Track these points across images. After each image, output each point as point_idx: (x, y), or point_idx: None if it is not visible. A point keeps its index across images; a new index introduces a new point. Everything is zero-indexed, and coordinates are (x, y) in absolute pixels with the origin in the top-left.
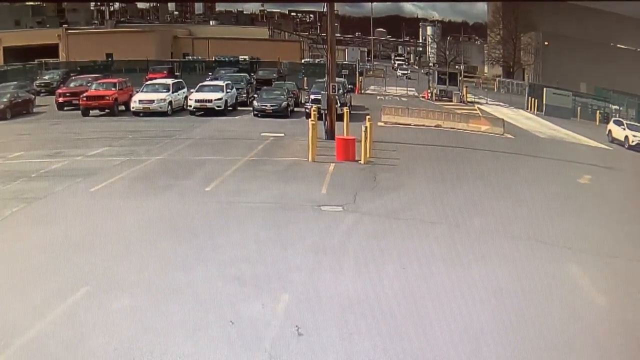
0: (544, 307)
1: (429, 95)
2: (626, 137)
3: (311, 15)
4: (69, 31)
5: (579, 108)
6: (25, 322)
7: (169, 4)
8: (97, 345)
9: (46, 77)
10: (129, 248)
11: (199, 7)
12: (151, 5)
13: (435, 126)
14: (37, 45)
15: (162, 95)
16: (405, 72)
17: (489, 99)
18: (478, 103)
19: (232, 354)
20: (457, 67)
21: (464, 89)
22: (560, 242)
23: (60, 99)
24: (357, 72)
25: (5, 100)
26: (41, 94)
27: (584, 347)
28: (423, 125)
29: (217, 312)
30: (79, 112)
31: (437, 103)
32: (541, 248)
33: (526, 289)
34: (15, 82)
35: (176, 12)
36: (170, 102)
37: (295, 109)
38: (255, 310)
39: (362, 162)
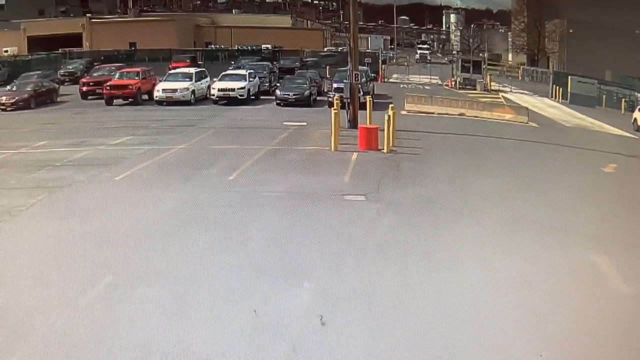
0: (569, 297)
1: (453, 83)
2: None
3: (334, 3)
4: (93, 20)
5: (604, 96)
6: (48, 311)
7: None
8: (120, 335)
9: (70, 67)
10: (153, 237)
11: None
12: None
13: (458, 115)
14: (61, 34)
15: (185, 84)
16: (426, 52)
17: (513, 87)
18: (502, 91)
19: (254, 343)
20: (480, 55)
21: (488, 77)
22: (585, 231)
23: (84, 88)
24: (380, 61)
25: (29, 89)
26: (65, 83)
27: (610, 336)
28: (446, 114)
29: (240, 301)
30: (103, 101)
31: (461, 91)
32: (566, 237)
33: (551, 278)
34: (39, 72)
35: (198, 1)
36: (193, 91)
37: (318, 98)
38: (277, 300)
39: (385, 151)
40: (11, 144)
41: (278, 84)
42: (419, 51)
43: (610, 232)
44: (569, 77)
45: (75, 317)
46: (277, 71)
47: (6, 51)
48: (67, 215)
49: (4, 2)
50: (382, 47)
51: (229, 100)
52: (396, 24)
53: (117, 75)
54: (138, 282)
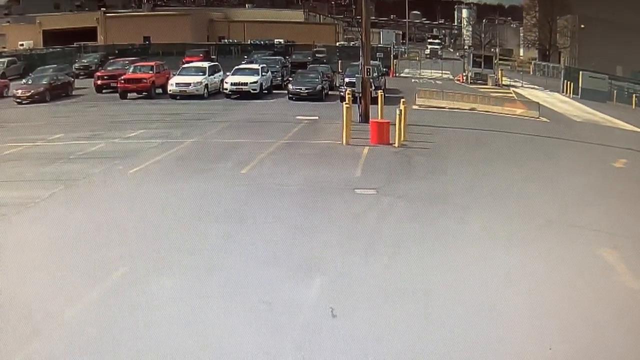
0: (579, 290)
1: (464, 78)
2: None
3: None
4: (107, 14)
5: (614, 91)
6: (64, 302)
7: None
8: (134, 325)
9: (85, 60)
10: (166, 229)
11: None
12: None
13: (469, 109)
14: (76, 28)
15: (199, 79)
16: (437, 47)
17: (524, 82)
18: (513, 86)
19: (266, 334)
20: (492, 50)
21: (499, 72)
22: (595, 226)
23: (99, 82)
24: (392, 55)
25: (45, 82)
26: (80, 77)
27: (619, 330)
28: (458, 109)
29: (252, 293)
30: (117, 94)
31: (472, 86)
32: (576, 232)
33: (560, 272)
34: (54, 65)
35: None
36: (206, 85)
37: (330, 92)
38: (289, 292)
39: (396, 145)
40: (27, 137)
41: (290, 78)
42: (429, 46)
43: (620, 227)
44: (580, 72)
45: (89, 307)
46: (289, 65)
47: (22, 45)
48: (82, 207)
49: None
50: (394, 41)
51: (241, 94)
52: (408, 18)
53: (131, 69)
54: (151, 272)
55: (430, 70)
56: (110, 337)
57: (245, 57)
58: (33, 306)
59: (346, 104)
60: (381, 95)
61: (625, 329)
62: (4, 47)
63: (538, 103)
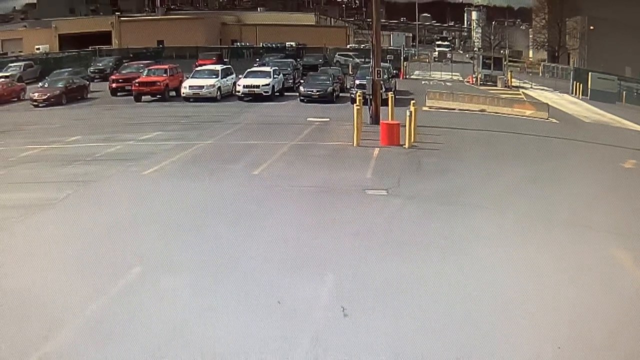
0: (590, 291)
1: (474, 79)
2: None
3: (357, 1)
4: (122, 19)
5: (624, 92)
6: (81, 301)
7: None
8: (149, 324)
9: (100, 64)
10: (180, 230)
11: None
12: None
13: (479, 111)
14: (91, 32)
15: (212, 81)
16: (445, 49)
17: (533, 84)
18: (523, 87)
19: (278, 333)
20: (501, 51)
21: (509, 73)
22: (605, 226)
23: (114, 85)
24: (402, 57)
25: (61, 86)
26: (95, 80)
27: (630, 330)
28: (467, 110)
29: (264, 292)
30: (132, 97)
31: (482, 88)
32: (586, 232)
33: (571, 272)
34: (70, 69)
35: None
36: (219, 88)
37: (341, 94)
38: (300, 291)
39: (406, 146)
40: (44, 139)
41: (302, 81)
42: (437, 48)
43: (630, 227)
44: (590, 73)
45: (106, 305)
46: (300, 68)
47: (38, 49)
48: (97, 208)
49: (36, 1)
50: (404, 44)
51: (254, 96)
52: (418, 21)
53: (145, 73)
54: (165, 272)
55: (440, 72)
56: (127, 333)
57: (257, 59)
58: (50, 304)
59: (357, 105)
60: (391, 97)
61: (635, 328)
62: (21, 51)
63: (547, 104)
